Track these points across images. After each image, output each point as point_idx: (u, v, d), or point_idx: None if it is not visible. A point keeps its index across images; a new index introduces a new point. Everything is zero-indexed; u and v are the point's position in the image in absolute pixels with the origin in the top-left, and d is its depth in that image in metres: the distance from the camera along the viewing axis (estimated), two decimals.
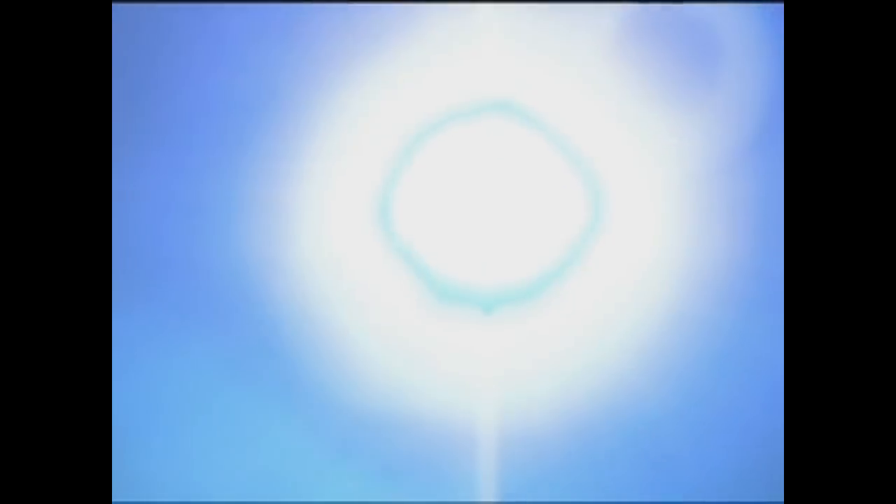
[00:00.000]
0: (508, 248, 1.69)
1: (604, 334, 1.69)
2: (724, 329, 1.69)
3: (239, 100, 1.70)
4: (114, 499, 1.61)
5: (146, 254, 1.69)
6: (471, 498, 1.69)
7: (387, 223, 1.69)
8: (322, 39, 1.70)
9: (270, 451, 1.70)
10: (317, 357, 1.69)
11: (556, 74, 1.70)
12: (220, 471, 1.70)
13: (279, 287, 1.70)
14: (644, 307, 1.69)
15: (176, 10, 1.70)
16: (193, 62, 1.70)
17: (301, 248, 1.70)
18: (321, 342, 1.69)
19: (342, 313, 1.69)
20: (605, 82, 1.69)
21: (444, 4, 1.68)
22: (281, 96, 1.70)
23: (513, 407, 1.68)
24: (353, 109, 1.69)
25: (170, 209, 1.70)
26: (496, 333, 1.69)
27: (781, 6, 1.67)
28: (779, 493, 1.69)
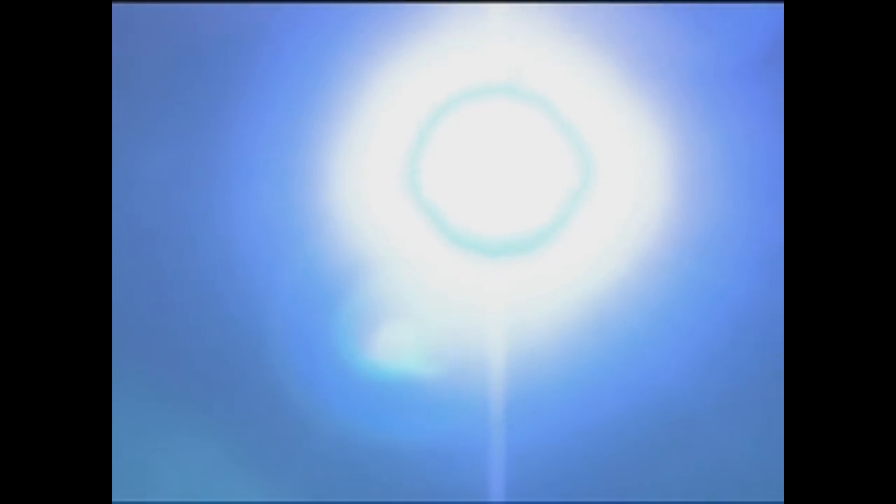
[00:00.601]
0: (514, 205, 2.02)
1: (593, 274, 2.03)
2: (701, 278, 2.02)
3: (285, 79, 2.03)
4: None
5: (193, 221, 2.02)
6: (484, 404, 2.03)
7: (414, 185, 2.03)
8: (360, 32, 2.03)
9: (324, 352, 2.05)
10: (353, 294, 2.04)
11: (556, 60, 2.02)
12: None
13: (322, 237, 2.04)
14: (626, 252, 2.02)
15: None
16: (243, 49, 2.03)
17: (342, 207, 2.04)
18: (359, 282, 2.04)
19: (376, 259, 2.04)
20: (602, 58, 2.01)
21: (463, 4, 2.00)
22: (323, 79, 2.03)
23: (518, 331, 2.03)
24: (386, 92, 2.03)
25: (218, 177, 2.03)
26: (504, 274, 2.03)
27: None
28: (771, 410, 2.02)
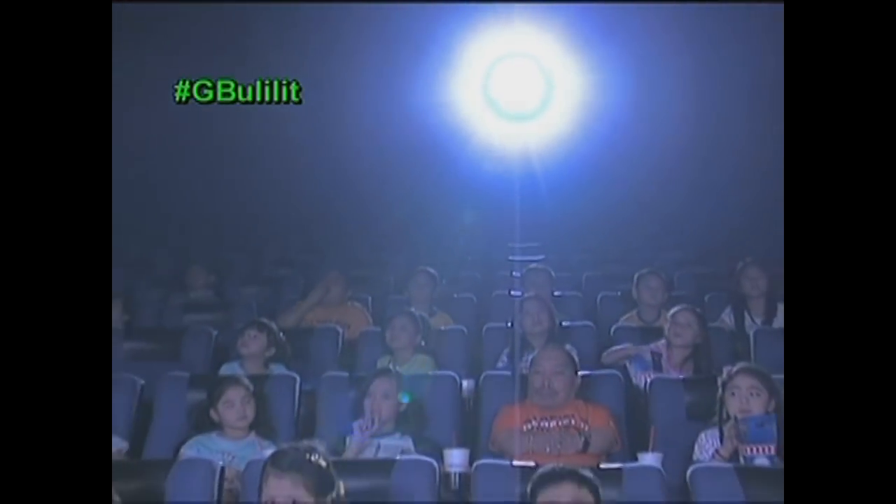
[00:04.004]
0: (524, 98, 3.77)
1: (563, 128, 3.82)
2: None
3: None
4: None
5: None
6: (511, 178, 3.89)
7: (489, 89, 3.73)
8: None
9: None
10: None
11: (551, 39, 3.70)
12: None
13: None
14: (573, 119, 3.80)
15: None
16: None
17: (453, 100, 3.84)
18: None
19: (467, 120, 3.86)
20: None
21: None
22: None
23: (528, 151, 3.82)
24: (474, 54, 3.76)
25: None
26: (521, 128, 3.82)
27: None
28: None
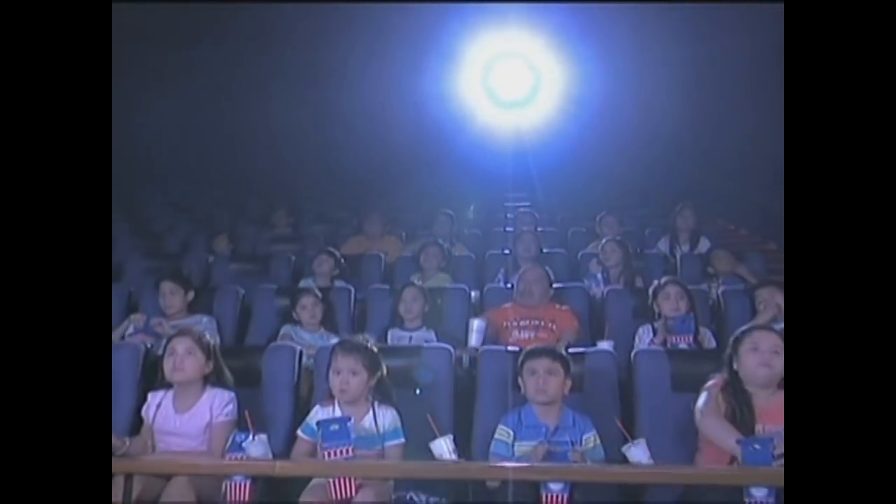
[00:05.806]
0: (517, 89, 3.70)
1: (550, 116, 3.72)
2: None
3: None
4: None
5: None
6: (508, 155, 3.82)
7: (486, 82, 3.70)
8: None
9: None
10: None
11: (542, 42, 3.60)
12: None
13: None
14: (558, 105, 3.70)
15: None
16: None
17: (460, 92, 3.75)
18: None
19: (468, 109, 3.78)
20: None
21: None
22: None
23: (521, 131, 3.75)
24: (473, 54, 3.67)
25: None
26: (515, 114, 3.74)
27: None
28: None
